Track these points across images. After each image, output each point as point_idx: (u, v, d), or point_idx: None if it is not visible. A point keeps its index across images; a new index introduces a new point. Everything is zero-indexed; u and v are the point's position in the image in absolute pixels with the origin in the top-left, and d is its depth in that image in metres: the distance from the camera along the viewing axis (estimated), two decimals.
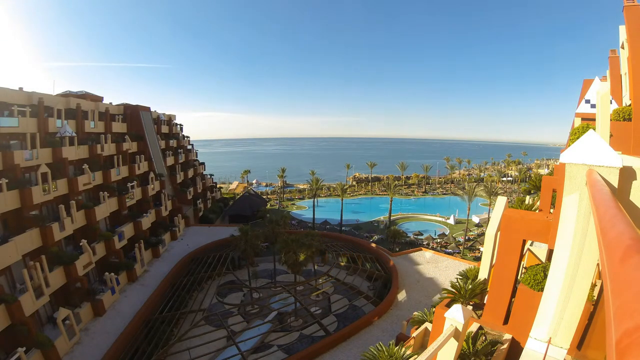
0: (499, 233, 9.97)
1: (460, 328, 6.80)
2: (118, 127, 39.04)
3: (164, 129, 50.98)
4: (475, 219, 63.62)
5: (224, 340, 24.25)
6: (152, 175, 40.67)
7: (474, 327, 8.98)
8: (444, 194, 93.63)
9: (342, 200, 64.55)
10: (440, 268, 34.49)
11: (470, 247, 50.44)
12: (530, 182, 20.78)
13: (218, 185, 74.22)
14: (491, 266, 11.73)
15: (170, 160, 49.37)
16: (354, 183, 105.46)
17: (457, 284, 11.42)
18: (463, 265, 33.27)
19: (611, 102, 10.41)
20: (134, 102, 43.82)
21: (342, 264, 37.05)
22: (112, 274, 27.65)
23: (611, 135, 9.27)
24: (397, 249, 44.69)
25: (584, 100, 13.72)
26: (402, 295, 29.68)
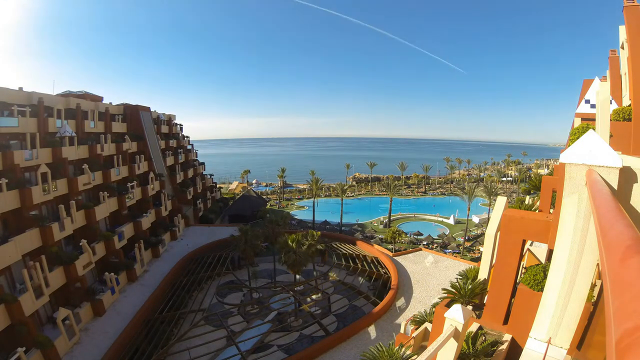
0: (498, 233, 9.97)
1: (460, 328, 6.79)
2: (118, 127, 39.04)
3: (164, 129, 51.02)
4: (475, 219, 63.57)
5: (224, 340, 24.24)
6: (152, 175, 40.67)
7: (473, 327, 8.99)
8: (444, 194, 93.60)
9: (342, 200, 64.58)
10: (440, 268, 34.49)
11: (470, 248, 50.44)
12: (530, 182, 20.76)
13: (218, 186, 74.22)
14: (491, 266, 11.73)
15: (170, 160, 49.39)
16: (354, 183, 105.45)
17: (457, 284, 11.41)
18: (463, 265, 33.28)
19: (611, 102, 10.42)
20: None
21: (342, 264, 37.04)
22: (112, 274, 27.68)
23: (611, 136, 9.27)
24: (397, 249, 44.69)
25: (583, 101, 13.74)
26: (401, 296, 29.69)
